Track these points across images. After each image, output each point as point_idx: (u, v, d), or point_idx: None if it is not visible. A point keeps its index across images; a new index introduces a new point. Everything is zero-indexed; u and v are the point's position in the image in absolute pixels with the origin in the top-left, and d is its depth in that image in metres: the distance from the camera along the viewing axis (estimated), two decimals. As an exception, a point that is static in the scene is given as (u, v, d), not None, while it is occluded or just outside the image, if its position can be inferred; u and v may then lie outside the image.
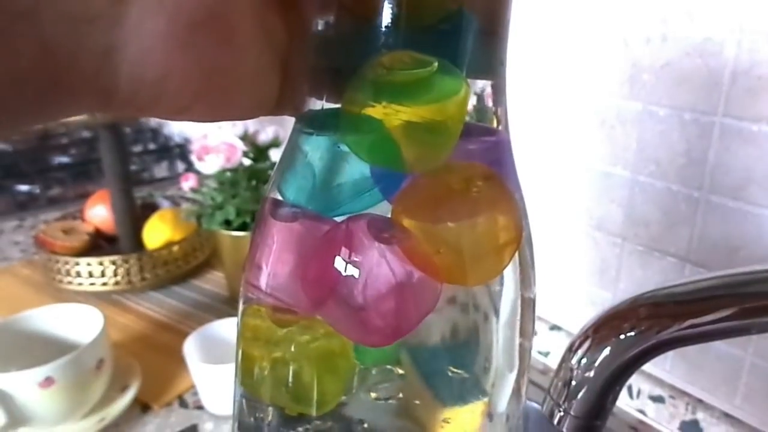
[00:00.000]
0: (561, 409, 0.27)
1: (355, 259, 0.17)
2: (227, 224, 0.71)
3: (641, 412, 0.56)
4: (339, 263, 0.17)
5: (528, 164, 0.20)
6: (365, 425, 0.21)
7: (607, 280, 0.58)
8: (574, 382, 0.26)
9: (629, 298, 0.25)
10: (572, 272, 0.60)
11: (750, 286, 0.23)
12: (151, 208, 0.88)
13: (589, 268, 0.59)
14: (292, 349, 0.19)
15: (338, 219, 0.19)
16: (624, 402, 0.57)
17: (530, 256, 0.21)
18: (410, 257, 0.17)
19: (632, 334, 0.24)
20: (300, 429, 0.21)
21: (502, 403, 0.21)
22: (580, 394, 0.26)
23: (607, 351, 0.25)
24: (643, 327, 0.24)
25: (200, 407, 0.57)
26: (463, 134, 0.18)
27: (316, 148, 0.20)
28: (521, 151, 0.22)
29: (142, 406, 0.58)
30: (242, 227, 0.70)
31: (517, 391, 0.21)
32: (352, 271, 0.17)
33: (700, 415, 0.51)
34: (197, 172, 0.74)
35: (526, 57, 0.58)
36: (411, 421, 0.22)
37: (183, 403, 0.58)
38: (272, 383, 0.20)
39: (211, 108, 0.18)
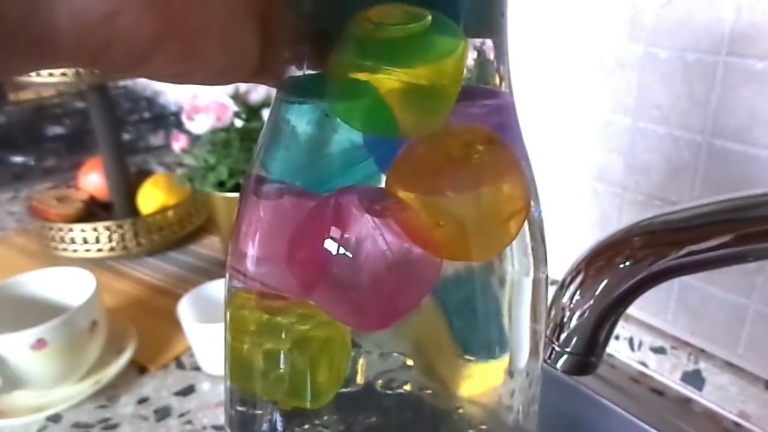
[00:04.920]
0: (556, 345, 0.26)
1: (347, 235, 0.16)
2: (221, 186, 0.70)
3: (642, 363, 0.55)
4: (329, 241, 0.16)
5: (524, 114, 0.18)
6: (373, 418, 0.20)
7: (608, 233, 0.56)
8: (567, 318, 0.25)
9: (623, 228, 0.24)
10: (573, 225, 0.59)
11: (748, 211, 0.22)
12: (145, 175, 0.86)
13: (589, 220, 0.58)
14: (283, 337, 0.18)
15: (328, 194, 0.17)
16: (625, 354, 0.56)
17: (540, 231, 0.20)
18: (407, 231, 0.16)
19: (627, 264, 0.23)
20: (297, 424, 0.20)
21: (522, 360, 0.20)
22: (574, 330, 0.25)
23: (600, 284, 0.24)
24: (638, 257, 0.23)
25: (197, 368, 0.57)
26: (464, 96, 0.16)
27: (301, 118, 0.18)
28: (517, 101, 0.20)
29: (139, 369, 0.57)
30: (235, 188, 0.69)
31: (534, 349, 0.20)
32: (343, 249, 0.16)
33: (702, 365, 0.51)
34: (188, 133, 0.73)
35: None
36: (431, 381, 0.21)
37: (180, 365, 0.58)
38: (263, 376, 0.19)
39: (177, 60, 0.16)
